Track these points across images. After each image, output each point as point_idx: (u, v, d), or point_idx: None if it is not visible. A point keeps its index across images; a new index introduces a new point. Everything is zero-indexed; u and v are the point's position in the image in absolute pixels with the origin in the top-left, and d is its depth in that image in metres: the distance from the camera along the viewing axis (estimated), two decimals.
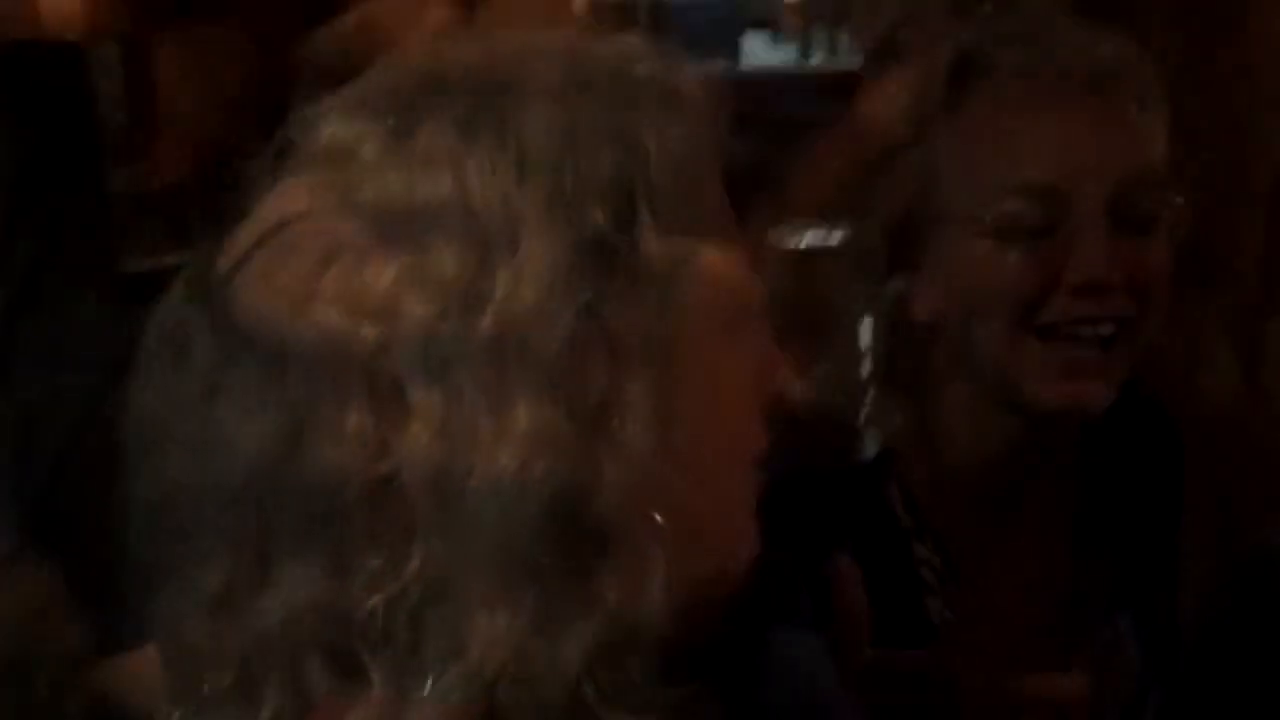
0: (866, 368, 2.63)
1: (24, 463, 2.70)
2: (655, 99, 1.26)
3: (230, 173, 3.77)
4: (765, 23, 6.42)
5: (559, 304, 1.10)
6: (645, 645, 1.09)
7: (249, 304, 1.20)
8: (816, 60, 6.05)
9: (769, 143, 5.18)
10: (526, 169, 1.16)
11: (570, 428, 1.08)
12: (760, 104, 5.16)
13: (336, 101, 1.27)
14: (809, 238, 2.87)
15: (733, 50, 5.51)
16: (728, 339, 1.25)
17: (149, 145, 5.43)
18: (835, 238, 2.85)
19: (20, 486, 2.48)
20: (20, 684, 1.40)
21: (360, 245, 1.15)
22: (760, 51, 6.21)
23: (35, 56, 4.85)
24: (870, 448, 2.54)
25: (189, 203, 5.26)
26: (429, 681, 1.05)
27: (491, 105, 1.19)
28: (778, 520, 1.51)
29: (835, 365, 2.68)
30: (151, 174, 5.24)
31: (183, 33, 5.60)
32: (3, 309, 3.60)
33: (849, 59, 6.19)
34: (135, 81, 5.41)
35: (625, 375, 1.11)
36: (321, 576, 1.07)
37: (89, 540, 2.42)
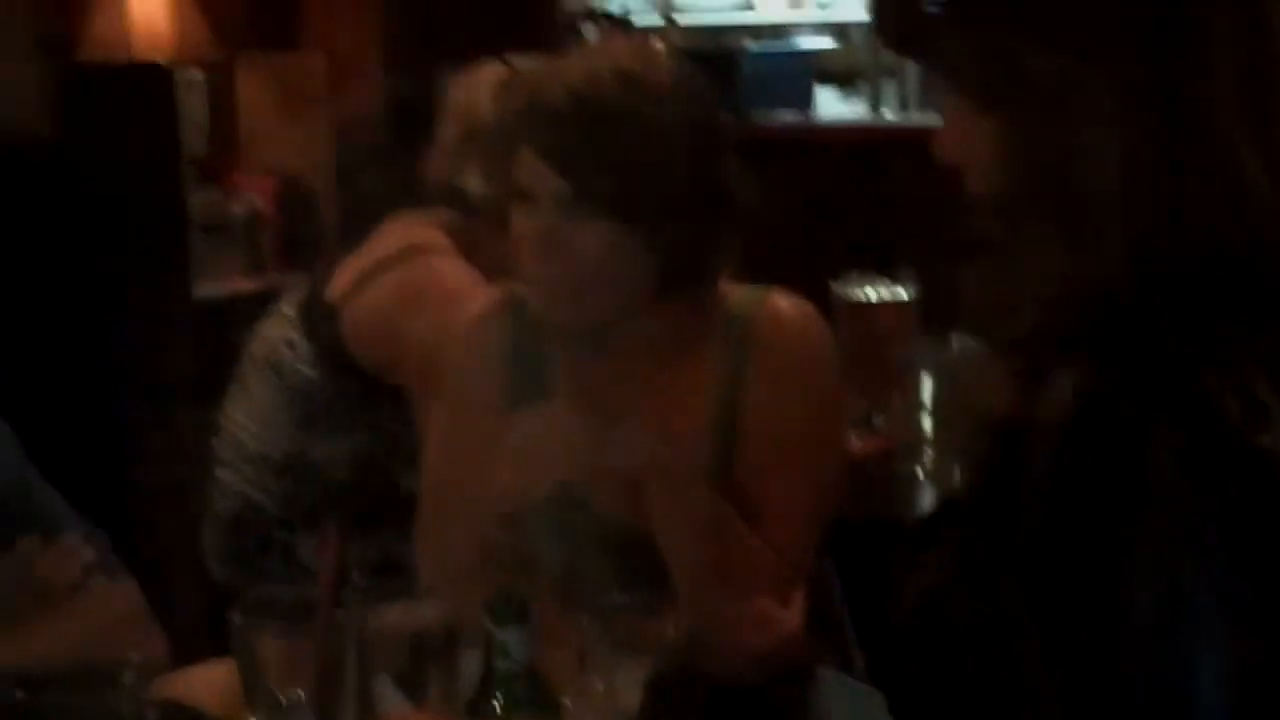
0: (927, 423, 2.66)
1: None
2: None
3: (306, 202, 3.82)
4: (837, 77, 6.48)
5: None
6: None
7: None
8: (888, 114, 6.10)
9: (842, 194, 5.19)
10: None
11: None
12: (833, 155, 5.21)
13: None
14: (873, 290, 2.90)
15: (805, 101, 5.57)
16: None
17: (229, 170, 5.53)
18: (900, 291, 2.88)
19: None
20: (101, 691, 1.45)
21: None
22: (832, 104, 6.27)
23: (126, 77, 4.97)
24: (926, 501, 2.58)
25: (265, 231, 5.36)
26: None
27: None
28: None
29: (895, 419, 2.71)
30: (230, 200, 5.34)
31: (265, 60, 5.72)
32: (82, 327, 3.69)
33: (920, 114, 6.25)
34: (219, 106, 5.52)
35: None
36: None
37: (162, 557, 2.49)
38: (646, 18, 6.32)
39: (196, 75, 5.35)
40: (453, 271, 2.30)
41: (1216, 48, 0.98)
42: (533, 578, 1.66)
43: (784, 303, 1.84)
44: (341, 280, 2.33)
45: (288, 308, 2.38)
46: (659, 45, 3.26)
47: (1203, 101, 0.98)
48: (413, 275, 2.30)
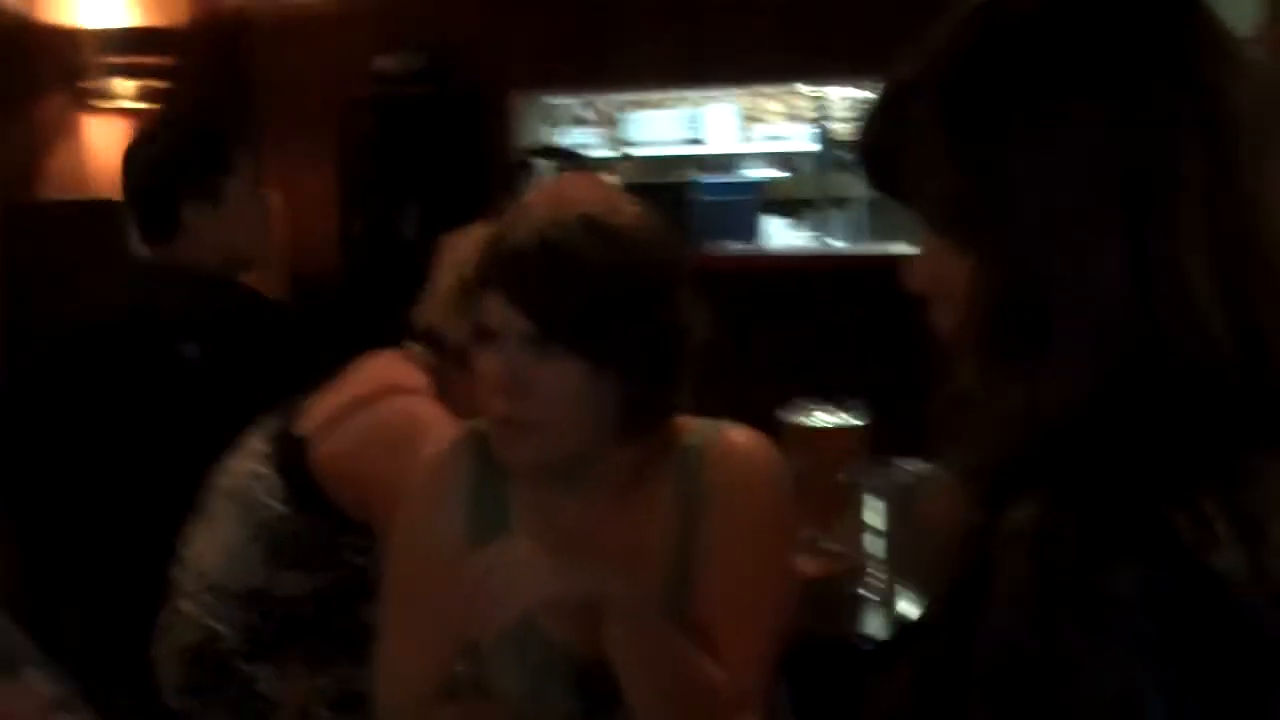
0: (875, 545, 2.71)
1: None
2: None
3: None
4: (785, 207, 6.59)
5: None
6: None
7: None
8: (836, 243, 6.19)
9: (791, 323, 5.24)
10: None
11: None
12: (781, 284, 5.28)
13: None
14: (822, 416, 2.96)
15: (753, 232, 5.64)
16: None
17: None
18: (848, 417, 2.94)
19: None
20: None
21: None
22: (781, 234, 6.36)
23: (79, 213, 5.00)
24: (873, 622, 2.61)
25: None
26: None
27: None
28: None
29: (843, 541, 2.75)
30: None
31: None
32: None
33: (868, 243, 6.35)
34: None
35: None
36: None
37: None
38: (599, 151, 6.43)
39: None
40: (427, 413, 2.32)
41: (1185, 208, 1.02)
42: (492, 707, 1.69)
43: (737, 435, 1.90)
44: (315, 416, 2.35)
45: (258, 442, 2.41)
46: (612, 179, 3.33)
47: (1170, 258, 1.02)
48: (387, 415, 2.32)
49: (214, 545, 2.37)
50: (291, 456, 2.33)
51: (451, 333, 2.35)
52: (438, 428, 2.28)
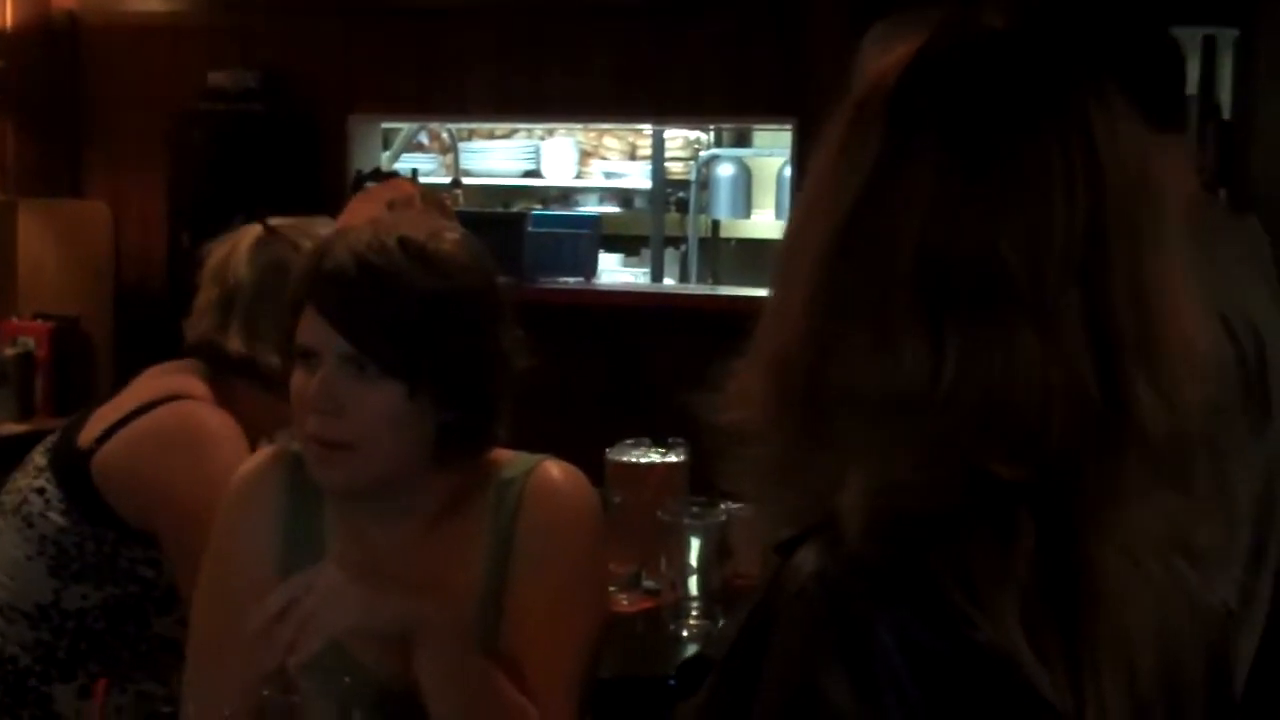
0: (694, 583, 2.73)
1: None
2: None
3: (82, 347, 3.79)
4: (620, 243, 6.63)
5: None
6: None
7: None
8: (669, 281, 6.24)
9: (621, 359, 5.27)
10: None
11: None
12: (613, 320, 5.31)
13: None
14: (643, 453, 2.98)
15: (588, 267, 5.66)
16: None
17: (4, 313, 5.44)
18: (672, 455, 2.96)
19: None
20: None
21: None
22: (613, 270, 6.40)
23: None
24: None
25: (38, 375, 5.27)
26: None
27: None
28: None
29: (663, 579, 2.77)
30: (3, 342, 5.25)
31: (48, 205, 5.67)
32: None
33: (699, 284, 6.42)
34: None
35: None
36: None
37: None
38: (435, 178, 6.41)
39: None
40: (206, 417, 2.30)
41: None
42: None
43: (554, 469, 1.91)
44: (94, 427, 2.31)
45: (39, 456, 2.36)
46: (446, 204, 3.32)
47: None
48: (163, 419, 2.29)
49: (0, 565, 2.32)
50: (71, 468, 2.29)
51: (231, 346, 2.33)
52: (220, 431, 2.27)
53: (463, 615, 1.81)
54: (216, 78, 5.55)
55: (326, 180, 5.42)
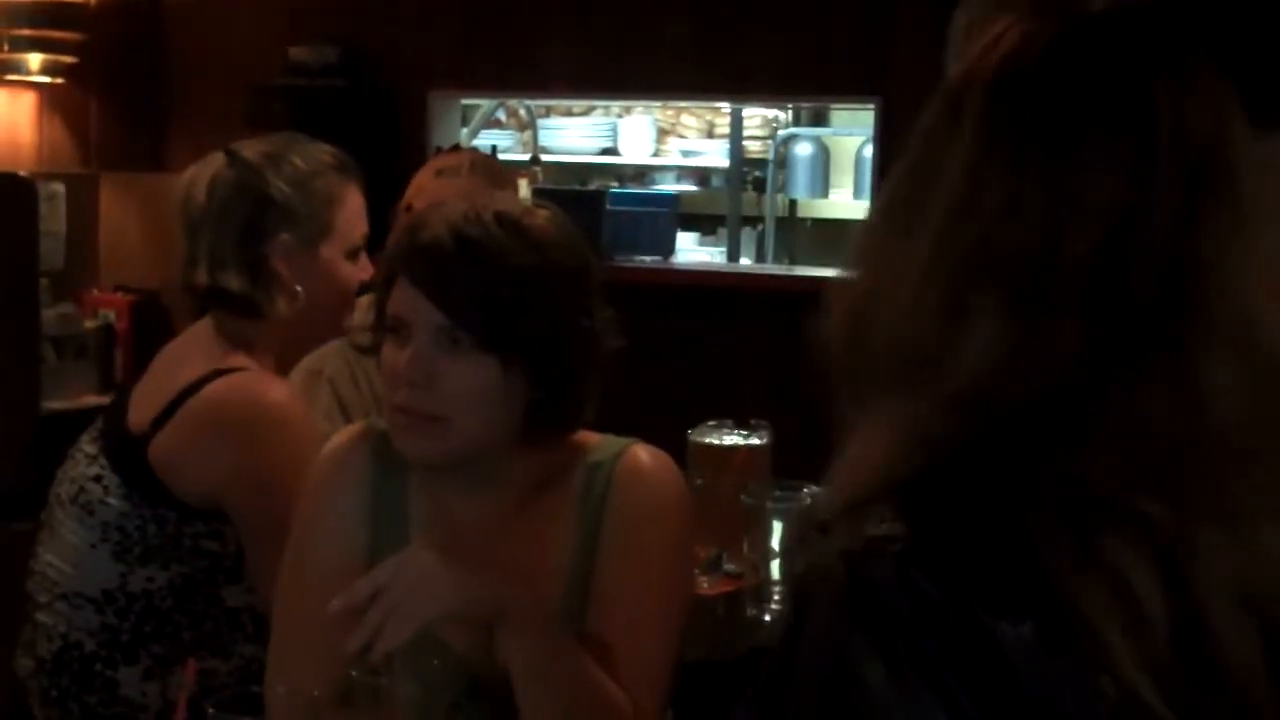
0: (774, 565, 2.71)
1: None
2: None
3: (160, 320, 3.76)
4: (697, 222, 6.59)
5: None
6: None
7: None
8: (746, 261, 6.20)
9: (699, 340, 5.23)
10: None
11: None
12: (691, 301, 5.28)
13: None
14: (728, 436, 2.96)
15: (666, 246, 5.62)
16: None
17: (85, 285, 5.48)
18: (754, 438, 2.94)
19: None
20: None
21: None
22: (690, 249, 6.36)
23: None
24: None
25: (118, 347, 5.31)
26: None
27: None
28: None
29: (745, 562, 2.75)
30: (85, 315, 5.29)
31: (129, 179, 5.70)
32: None
33: (776, 264, 6.38)
34: (79, 222, 5.48)
35: None
36: None
37: None
38: (513, 154, 6.40)
39: (58, 189, 5.33)
40: (265, 390, 2.27)
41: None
42: (389, 715, 1.67)
43: (643, 453, 1.89)
44: (141, 411, 2.30)
45: (88, 445, 2.35)
46: (497, 169, 3.32)
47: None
48: (219, 401, 2.26)
49: (60, 555, 2.31)
50: (127, 455, 2.28)
51: (232, 285, 2.31)
52: (278, 401, 2.26)
53: (551, 597, 1.80)
54: (297, 52, 5.55)
55: (405, 156, 5.42)
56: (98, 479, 2.28)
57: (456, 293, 1.77)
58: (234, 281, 2.30)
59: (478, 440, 1.80)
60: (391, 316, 1.81)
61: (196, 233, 2.34)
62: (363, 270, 2.40)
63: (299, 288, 2.33)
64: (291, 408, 2.28)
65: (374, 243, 2.42)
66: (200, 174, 2.36)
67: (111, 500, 2.26)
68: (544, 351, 1.79)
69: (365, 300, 2.45)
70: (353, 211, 2.40)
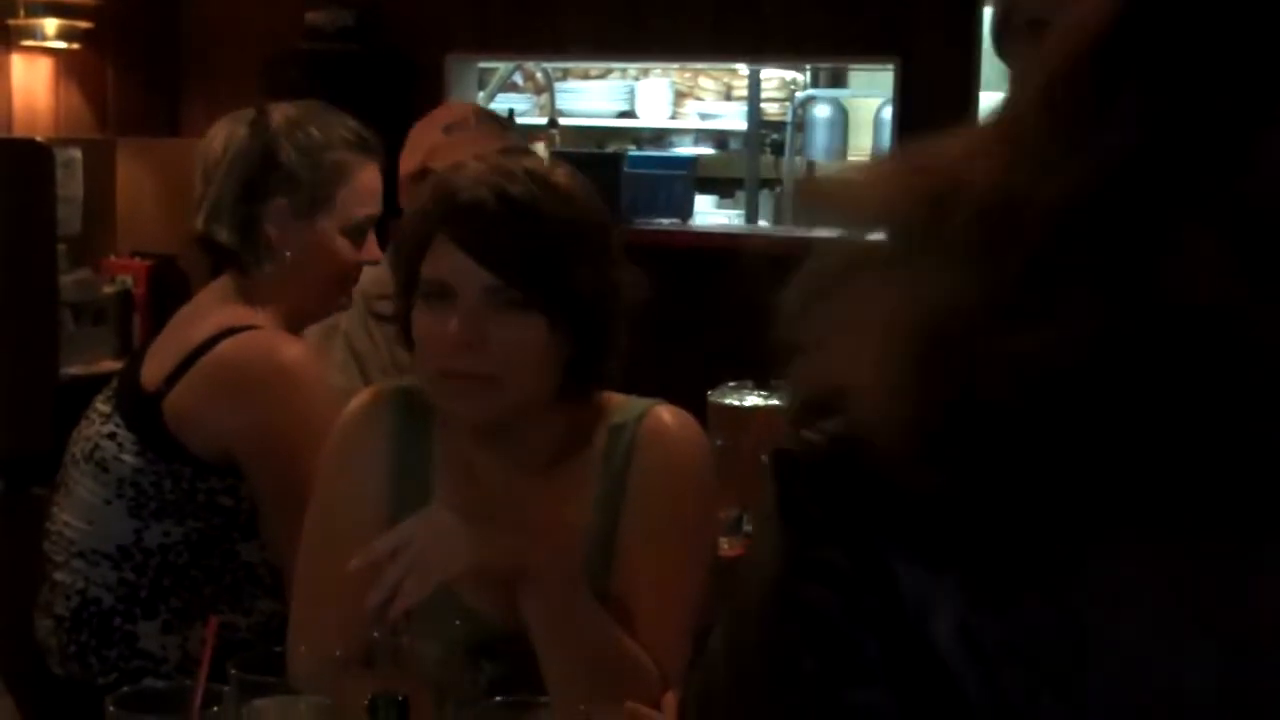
0: None
1: None
2: None
3: (179, 285, 3.76)
4: (715, 185, 6.57)
5: None
6: None
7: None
8: (764, 223, 6.18)
9: (717, 302, 5.23)
10: None
11: None
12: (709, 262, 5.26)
13: None
14: (748, 397, 2.94)
15: (684, 208, 5.60)
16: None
17: (103, 251, 5.48)
18: (775, 398, 2.93)
19: None
20: None
21: None
22: (708, 211, 6.35)
23: (3, 152, 4.92)
24: None
25: (137, 312, 5.31)
26: None
27: None
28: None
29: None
30: (103, 280, 5.29)
31: (146, 144, 5.69)
32: None
33: (790, 225, 6.36)
34: (96, 187, 5.48)
35: None
36: None
37: None
38: (530, 117, 6.39)
39: (75, 155, 5.32)
40: (280, 347, 2.28)
41: None
42: (410, 674, 1.67)
43: (666, 414, 1.89)
44: (154, 368, 2.30)
45: (102, 404, 2.35)
46: (504, 122, 3.31)
47: None
48: (234, 358, 2.26)
49: (75, 513, 2.32)
50: (140, 411, 2.28)
51: (221, 238, 2.32)
52: (294, 357, 2.26)
53: (573, 558, 1.80)
54: (314, 16, 5.53)
55: (421, 119, 5.40)
56: (112, 436, 2.29)
57: (506, 252, 1.76)
58: (224, 234, 2.32)
59: (527, 398, 1.80)
60: (430, 281, 1.79)
61: (207, 181, 2.35)
62: (367, 253, 2.40)
63: (288, 254, 2.32)
64: (304, 366, 2.28)
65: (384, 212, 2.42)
66: (226, 128, 2.37)
67: (126, 457, 2.27)
68: (585, 306, 1.79)
69: (377, 271, 2.44)
70: (361, 189, 2.37)
